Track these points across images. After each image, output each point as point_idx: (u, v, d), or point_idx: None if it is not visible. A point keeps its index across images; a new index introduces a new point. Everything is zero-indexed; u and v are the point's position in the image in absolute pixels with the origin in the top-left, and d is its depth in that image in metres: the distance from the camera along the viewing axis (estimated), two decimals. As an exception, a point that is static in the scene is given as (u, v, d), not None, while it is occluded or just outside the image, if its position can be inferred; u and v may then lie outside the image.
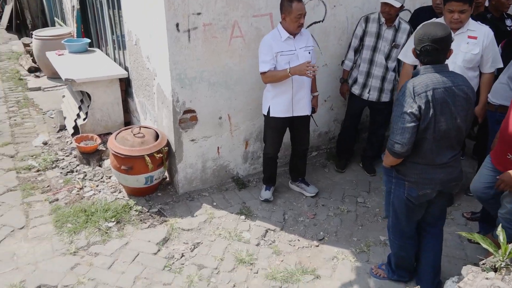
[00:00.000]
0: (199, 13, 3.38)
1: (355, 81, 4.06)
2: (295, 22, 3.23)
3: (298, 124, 3.67)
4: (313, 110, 3.76)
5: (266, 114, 3.56)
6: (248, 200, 3.86)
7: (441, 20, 3.39)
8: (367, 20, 3.87)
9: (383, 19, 3.79)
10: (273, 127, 3.61)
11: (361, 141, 4.77)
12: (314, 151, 4.63)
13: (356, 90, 4.07)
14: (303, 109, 3.56)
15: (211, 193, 3.95)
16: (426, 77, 2.32)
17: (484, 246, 2.09)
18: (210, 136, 3.87)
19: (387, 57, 3.88)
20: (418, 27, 2.47)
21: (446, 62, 2.40)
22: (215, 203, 3.80)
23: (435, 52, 2.31)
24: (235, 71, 3.74)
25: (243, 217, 3.63)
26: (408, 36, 3.80)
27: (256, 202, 3.84)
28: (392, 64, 3.92)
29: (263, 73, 3.38)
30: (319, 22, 4.05)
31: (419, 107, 2.26)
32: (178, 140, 3.73)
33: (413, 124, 2.28)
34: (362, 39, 3.92)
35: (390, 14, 3.70)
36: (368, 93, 4.01)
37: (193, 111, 3.71)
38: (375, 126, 4.29)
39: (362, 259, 3.21)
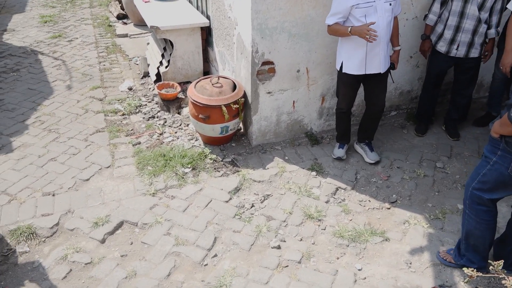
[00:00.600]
0: (285, -41, 3.24)
1: (439, 37, 3.70)
2: None
3: (373, 82, 3.45)
4: (393, 66, 3.50)
5: (338, 69, 3.41)
6: (320, 157, 3.81)
7: None
8: None
9: None
10: (345, 82, 3.46)
11: (445, 103, 4.42)
12: (393, 111, 4.40)
13: (442, 47, 3.71)
14: (377, 67, 3.31)
15: (284, 147, 3.95)
16: None
17: None
18: (286, 89, 3.82)
19: (481, 7, 3.46)
20: None
21: None
22: (287, 157, 3.81)
23: None
24: (317, 22, 3.59)
25: (314, 173, 3.60)
26: None
27: (328, 159, 3.78)
28: (485, 15, 3.50)
29: (328, 26, 3.23)
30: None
31: None
32: (254, 91, 3.73)
33: None
34: None
35: None
36: (456, 49, 3.65)
37: (272, 63, 3.65)
38: (462, 85, 3.93)
39: (436, 226, 3.07)
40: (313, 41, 3.66)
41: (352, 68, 3.33)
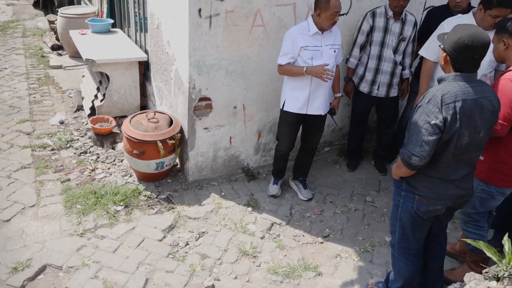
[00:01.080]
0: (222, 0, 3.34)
1: (361, 78, 3.96)
2: (330, 20, 3.13)
3: (312, 123, 3.58)
4: (334, 112, 3.66)
5: (281, 107, 3.51)
6: (256, 192, 3.84)
7: (461, 19, 3.29)
8: (373, 15, 3.77)
9: (390, 13, 3.69)
10: (287, 122, 3.53)
11: (373, 140, 4.68)
12: (326, 147, 4.58)
13: (364, 88, 3.97)
14: (318, 109, 3.46)
15: (220, 183, 3.94)
16: (456, 86, 2.13)
17: (488, 254, 2.01)
18: (223, 125, 3.86)
19: (395, 51, 3.80)
20: (456, 30, 2.17)
21: None
22: (223, 193, 3.80)
23: (478, 60, 2.14)
24: (253, 60, 3.70)
25: (250, 209, 3.61)
26: (414, 28, 3.76)
27: (264, 194, 3.82)
28: (399, 58, 3.84)
29: (280, 65, 3.33)
30: (343, 15, 3.95)
31: (445, 118, 2.08)
32: (191, 127, 3.73)
33: (435, 137, 2.11)
34: (368, 35, 3.82)
35: (403, 7, 3.62)
36: (377, 89, 3.93)
37: (209, 99, 3.69)
38: (384, 123, 4.21)
39: (365, 259, 3.17)
40: (249, 78, 3.76)
41: (294, 106, 3.43)
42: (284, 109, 3.46)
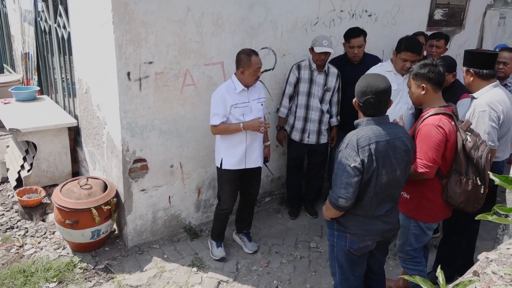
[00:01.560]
0: (151, 62, 3.39)
1: (292, 127, 4.14)
2: (254, 76, 3.27)
3: (250, 176, 3.61)
4: (266, 159, 3.76)
5: (219, 166, 3.50)
6: (200, 251, 3.74)
7: (383, 67, 3.62)
8: (299, 67, 4.02)
9: (314, 66, 3.95)
10: (228, 179, 3.51)
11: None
12: (267, 197, 4.62)
13: (295, 136, 4.14)
14: (256, 161, 3.53)
15: (162, 245, 3.80)
16: (369, 129, 2.31)
17: None
18: (161, 185, 3.78)
19: (321, 101, 4.04)
20: (361, 78, 2.42)
21: (387, 114, 2.43)
22: (166, 256, 3.65)
23: (378, 104, 2.33)
24: (186, 119, 3.73)
25: (195, 269, 3.50)
26: (338, 79, 4.06)
27: (209, 252, 3.72)
28: (325, 107, 4.08)
29: (214, 126, 3.34)
30: (269, 70, 4.16)
31: (362, 160, 2.24)
32: (127, 190, 3.62)
33: (357, 178, 2.26)
34: (295, 86, 4.05)
35: (325, 61, 3.90)
36: (308, 137, 4.11)
37: (144, 160, 3.63)
38: (315, 168, 4.37)
39: (317, 308, 3.15)
40: (184, 136, 3.77)
41: (233, 163, 3.45)
42: (223, 167, 3.46)
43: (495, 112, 2.88)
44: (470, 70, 2.99)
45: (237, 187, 3.61)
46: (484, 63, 2.97)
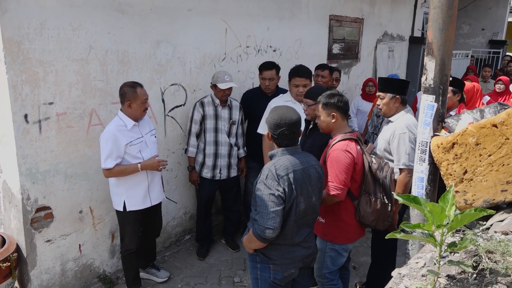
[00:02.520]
0: (51, 103, 3.19)
1: (202, 165, 4.07)
2: (142, 107, 3.21)
3: (153, 210, 3.53)
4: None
5: (121, 209, 3.32)
6: (118, 301, 3.50)
7: (283, 97, 3.83)
8: (202, 104, 4.00)
9: (217, 101, 3.99)
10: (133, 220, 3.39)
11: (218, 220, 4.74)
12: (187, 235, 4.50)
13: (207, 173, 4.07)
14: (159, 196, 3.50)
15: (74, 299, 3.49)
16: (285, 159, 2.37)
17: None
18: (69, 233, 3.50)
19: (229, 135, 4.08)
20: (271, 111, 2.49)
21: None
22: (78, 311, 3.35)
23: (292, 135, 2.42)
24: (95, 160, 3.53)
25: (112, 322, 3.25)
26: (240, 112, 4.15)
27: (128, 300, 3.49)
28: (233, 140, 4.13)
29: (108, 169, 3.16)
30: (180, 105, 4.15)
31: (284, 189, 2.29)
32: (30, 243, 3.29)
33: (281, 207, 2.29)
34: (201, 123, 4.02)
35: (228, 95, 3.96)
36: (219, 173, 4.09)
37: (48, 208, 3.35)
38: (229, 202, 4.35)
39: None
40: (93, 179, 3.56)
41: (137, 203, 3.33)
42: (128, 209, 3.31)
43: (413, 135, 3.05)
44: (397, 97, 3.21)
45: (140, 225, 3.51)
46: (403, 89, 3.27)
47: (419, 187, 2.67)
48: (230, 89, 3.92)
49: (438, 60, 2.30)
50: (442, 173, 2.31)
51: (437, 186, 2.59)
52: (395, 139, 3.14)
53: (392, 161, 3.15)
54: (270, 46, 4.96)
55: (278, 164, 2.35)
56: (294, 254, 2.46)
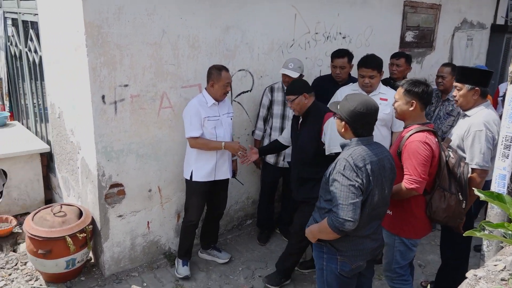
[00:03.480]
0: (126, 85, 3.34)
1: None
2: (223, 90, 3.36)
3: (219, 188, 3.66)
4: (234, 173, 3.79)
5: (188, 178, 3.49)
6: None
7: (352, 86, 3.70)
8: (272, 90, 4.01)
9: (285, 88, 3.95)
10: (197, 191, 3.54)
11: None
12: (248, 219, 4.55)
13: (270, 159, 4.07)
14: (225, 173, 3.60)
15: (141, 273, 3.67)
16: (361, 150, 2.28)
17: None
18: (139, 210, 3.68)
19: None
20: (349, 99, 2.35)
21: None
22: (145, 284, 3.53)
23: (373, 124, 2.35)
24: (164, 142, 3.67)
25: (176, 297, 3.38)
26: None
27: (190, 278, 3.61)
28: None
29: (194, 138, 3.36)
30: (247, 91, 4.17)
31: (362, 181, 2.21)
32: (104, 216, 3.50)
33: (361, 198, 2.21)
34: (269, 108, 4.03)
35: (287, 82, 3.81)
36: (283, 160, 4.05)
37: (121, 185, 3.53)
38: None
39: (303, 333, 3.07)
40: (162, 160, 3.69)
41: (203, 175, 3.47)
42: (193, 179, 3.47)
43: (491, 133, 2.85)
44: (477, 88, 2.95)
45: (205, 199, 3.64)
46: (484, 81, 2.97)
47: (500, 185, 2.49)
48: (292, 78, 3.79)
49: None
50: (528, 170, 2.12)
51: (520, 185, 2.40)
52: (470, 136, 2.89)
53: (465, 159, 2.94)
54: (340, 33, 4.82)
55: (355, 154, 2.26)
56: (363, 246, 2.38)
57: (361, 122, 2.31)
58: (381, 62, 3.66)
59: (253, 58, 4.09)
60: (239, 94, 4.11)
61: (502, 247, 2.45)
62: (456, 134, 3.03)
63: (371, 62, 3.59)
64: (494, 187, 2.47)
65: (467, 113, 3.01)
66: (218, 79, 3.33)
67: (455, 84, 3.08)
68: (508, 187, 2.46)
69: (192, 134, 3.36)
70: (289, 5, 4.22)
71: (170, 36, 3.46)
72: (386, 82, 4.03)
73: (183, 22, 3.51)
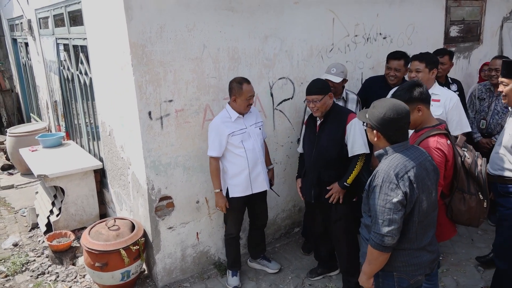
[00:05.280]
0: (170, 100, 3.43)
1: None
2: (246, 103, 3.33)
3: (257, 200, 3.64)
4: (271, 183, 3.74)
5: (224, 194, 3.51)
6: (232, 287, 3.65)
7: None
8: None
9: None
10: (235, 207, 3.55)
11: None
12: (296, 227, 4.52)
13: None
14: (261, 185, 3.56)
15: (193, 283, 3.73)
16: (400, 158, 2.16)
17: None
18: (188, 221, 3.76)
19: None
20: (377, 106, 2.23)
21: None
22: (197, 294, 3.59)
23: (407, 128, 2.24)
24: (209, 153, 3.73)
25: (228, 306, 3.41)
26: (358, 106, 3.87)
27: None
28: None
29: (213, 158, 3.41)
30: (288, 99, 4.17)
31: (405, 192, 2.08)
32: (155, 229, 3.60)
33: (401, 213, 2.10)
34: None
35: (335, 88, 3.71)
36: None
37: (170, 198, 3.62)
38: None
39: None
40: (208, 171, 3.73)
41: (239, 191, 3.48)
42: (230, 195, 3.49)
43: None
44: None
45: (243, 212, 3.67)
46: None
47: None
48: (335, 83, 3.67)
49: None
50: None
51: None
52: None
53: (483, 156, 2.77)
54: (380, 33, 4.72)
55: (394, 163, 2.14)
56: (420, 259, 2.24)
57: (393, 128, 2.17)
58: (426, 56, 3.42)
59: (293, 65, 4.09)
60: (281, 102, 4.12)
61: None
62: (509, 135, 2.86)
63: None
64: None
65: None
66: (240, 93, 3.29)
67: (501, 79, 2.91)
68: None
69: (211, 153, 3.39)
70: (326, 10, 4.19)
71: (210, 50, 3.54)
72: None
73: (222, 35, 3.58)
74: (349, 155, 3.17)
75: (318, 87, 3.19)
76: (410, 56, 3.65)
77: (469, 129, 3.41)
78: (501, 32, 6.31)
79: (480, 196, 2.59)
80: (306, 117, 4.00)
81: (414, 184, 2.11)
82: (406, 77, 3.80)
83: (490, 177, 3.02)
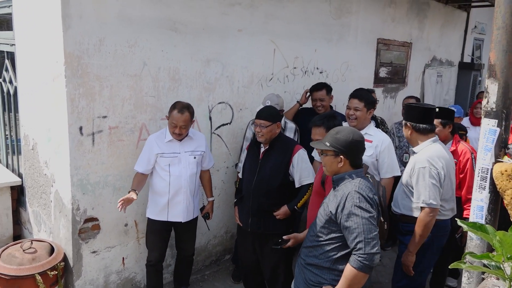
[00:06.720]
0: (105, 116, 3.29)
1: None
2: (171, 128, 3.25)
3: (181, 230, 3.51)
4: (208, 216, 3.63)
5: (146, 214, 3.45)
6: (157, 317, 3.47)
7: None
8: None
9: None
10: (151, 229, 3.44)
11: None
12: (227, 254, 4.45)
13: None
14: (179, 215, 3.38)
15: (115, 312, 3.50)
16: (364, 181, 2.30)
17: None
18: (114, 245, 3.54)
19: None
20: (339, 132, 2.35)
21: None
22: (119, 324, 3.35)
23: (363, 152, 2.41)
24: (142, 174, 3.59)
25: (152, 337, 3.22)
26: (296, 135, 4.03)
27: (167, 317, 3.46)
28: None
29: (136, 172, 3.33)
30: (227, 124, 4.17)
31: (376, 211, 2.28)
32: (77, 252, 3.35)
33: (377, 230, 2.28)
34: None
35: None
36: None
37: (96, 219, 3.41)
38: None
39: None
40: (139, 193, 3.58)
41: (154, 213, 3.38)
42: (147, 215, 3.41)
43: (435, 169, 2.84)
44: (408, 124, 3.01)
45: (162, 239, 3.48)
46: (422, 118, 2.97)
47: (478, 217, 2.52)
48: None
49: (502, 83, 2.19)
50: (506, 202, 2.17)
51: (498, 216, 2.44)
52: (415, 174, 2.88)
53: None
54: (317, 68, 4.95)
55: (362, 185, 2.24)
56: None
57: (359, 151, 2.34)
58: (366, 96, 3.47)
59: (233, 91, 4.13)
60: (219, 127, 4.11)
61: (483, 279, 2.46)
62: (405, 172, 3.03)
63: (356, 94, 3.52)
64: (472, 219, 2.51)
65: (414, 149, 3.02)
66: (170, 115, 3.23)
67: (404, 122, 3.10)
68: (486, 219, 2.50)
69: (136, 168, 3.30)
70: (268, 40, 4.31)
71: (150, 68, 3.46)
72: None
73: (164, 55, 3.53)
74: (296, 186, 3.21)
75: (268, 113, 3.20)
76: (332, 89, 3.87)
77: (399, 174, 3.42)
78: (423, 77, 6.90)
79: (381, 219, 2.67)
80: (245, 143, 4.03)
81: (379, 208, 2.28)
82: (344, 113, 3.89)
83: (393, 216, 3.15)
